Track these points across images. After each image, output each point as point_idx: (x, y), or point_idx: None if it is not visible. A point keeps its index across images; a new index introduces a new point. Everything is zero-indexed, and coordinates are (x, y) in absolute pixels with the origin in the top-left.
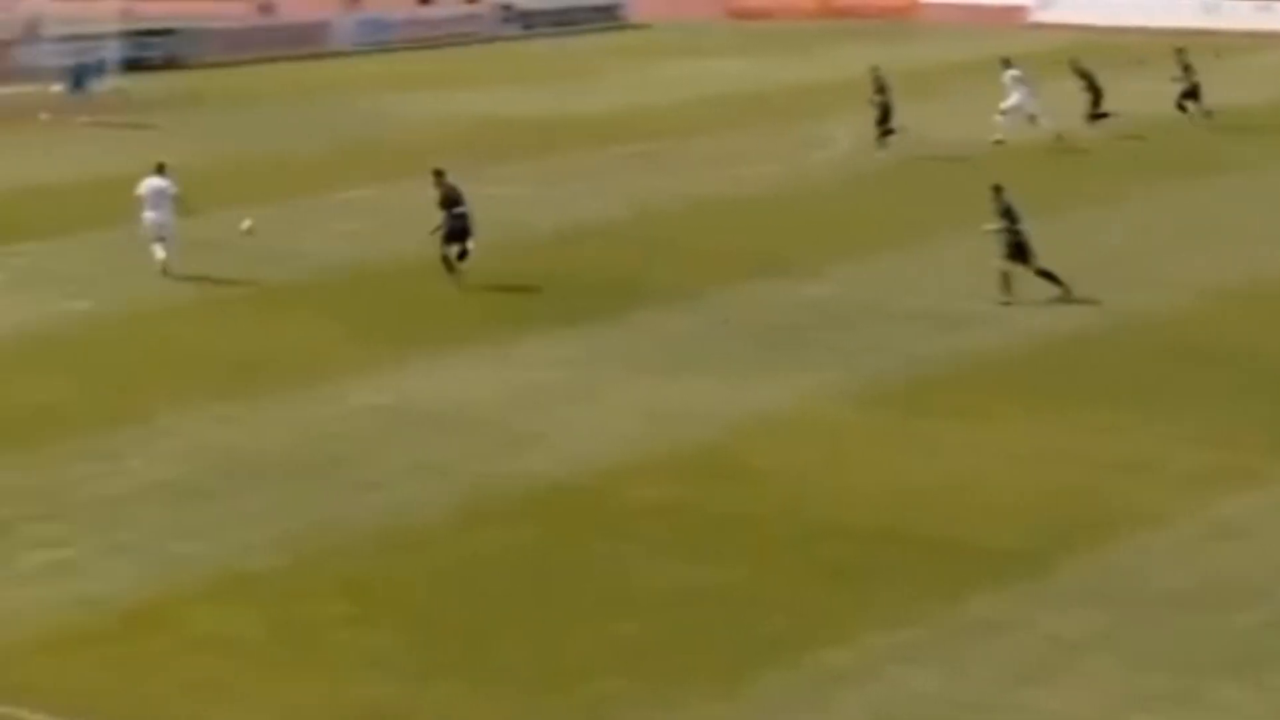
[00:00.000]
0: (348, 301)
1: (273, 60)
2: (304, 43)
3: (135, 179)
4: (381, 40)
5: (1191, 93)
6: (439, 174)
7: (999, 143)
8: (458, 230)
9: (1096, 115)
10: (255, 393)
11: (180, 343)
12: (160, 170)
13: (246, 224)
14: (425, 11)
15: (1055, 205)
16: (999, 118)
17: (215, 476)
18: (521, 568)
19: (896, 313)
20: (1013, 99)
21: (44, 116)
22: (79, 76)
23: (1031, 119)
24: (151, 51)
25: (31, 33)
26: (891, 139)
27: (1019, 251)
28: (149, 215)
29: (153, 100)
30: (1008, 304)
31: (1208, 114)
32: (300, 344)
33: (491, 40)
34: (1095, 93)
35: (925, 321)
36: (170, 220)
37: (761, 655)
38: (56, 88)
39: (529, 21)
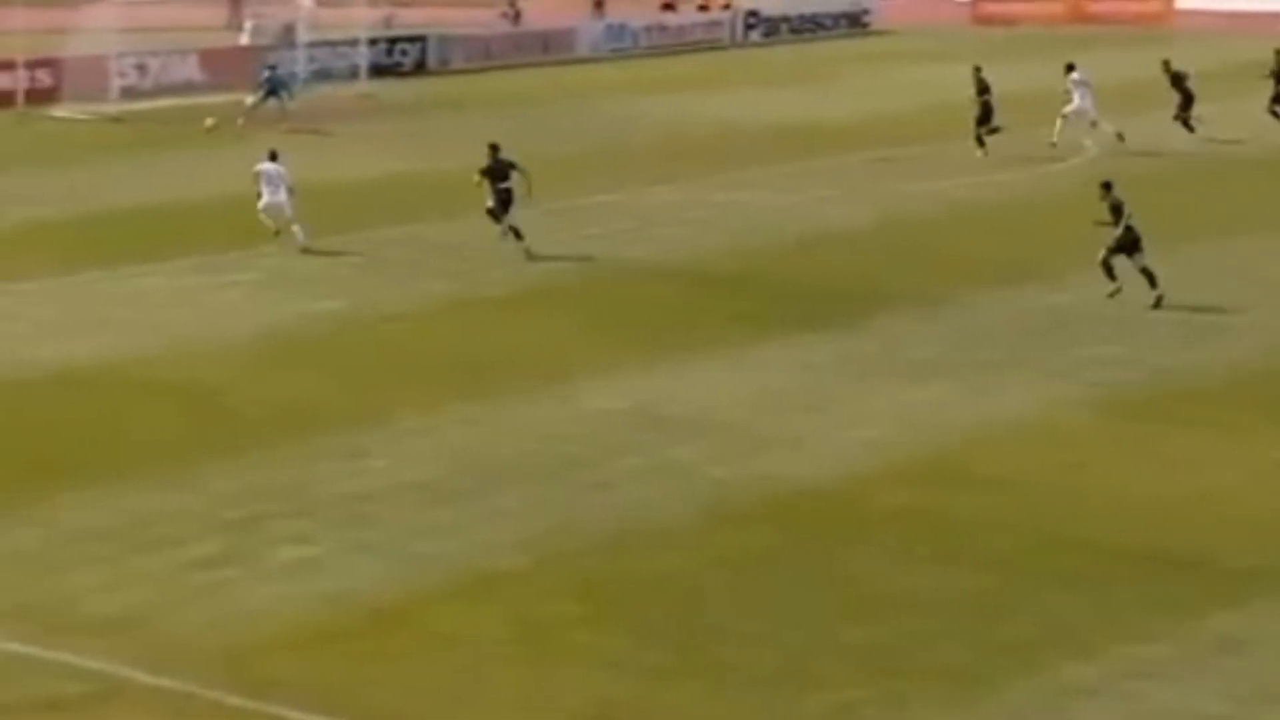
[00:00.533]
0: (591, 304)
1: (519, 66)
2: (550, 49)
3: (384, 182)
4: (626, 46)
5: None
6: (493, 148)
7: (1053, 145)
8: (502, 202)
9: (1182, 119)
10: (498, 394)
11: (426, 343)
12: (273, 157)
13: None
14: (669, 18)
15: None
16: (1060, 121)
17: (458, 477)
18: (760, 571)
19: (1141, 321)
20: (1075, 103)
21: (241, 121)
22: (273, 87)
23: (1093, 124)
24: (402, 58)
25: (287, 39)
26: (989, 140)
27: (1129, 245)
28: (266, 198)
29: (402, 106)
30: (1117, 292)
31: None
32: (544, 346)
33: (734, 46)
34: (1185, 96)
35: (1170, 330)
36: (285, 200)
37: (1001, 665)
38: (250, 99)
39: (772, 27)
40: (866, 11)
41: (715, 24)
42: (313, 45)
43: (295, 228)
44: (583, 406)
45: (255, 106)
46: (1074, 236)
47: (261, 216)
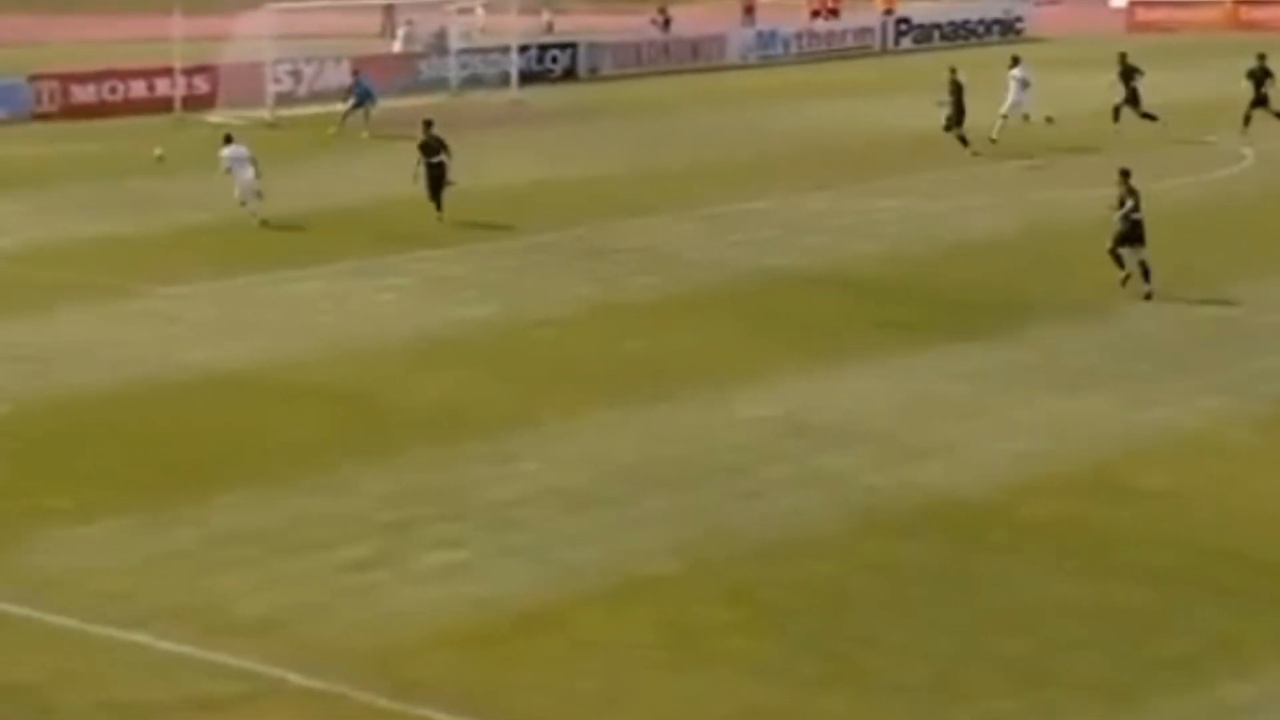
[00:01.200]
0: (739, 311)
1: (669, 73)
2: (700, 56)
3: (534, 187)
4: (776, 53)
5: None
6: (427, 124)
7: (993, 142)
8: (435, 179)
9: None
10: (647, 399)
11: (575, 348)
12: (228, 140)
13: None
14: (819, 24)
15: None
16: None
17: (607, 482)
18: (910, 580)
19: None
20: (1010, 99)
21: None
22: (361, 96)
23: (1025, 118)
24: (552, 65)
25: (439, 46)
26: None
27: (1133, 235)
28: (241, 178)
29: (552, 112)
30: (1126, 280)
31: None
32: (693, 352)
33: (885, 53)
34: (1132, 91)
35: None
36: (253, 178)
37: (1155, 680)
38: (340, 106)
39: (924, 34)
40: (1020, 19)
41: (866, 30)
42: (464, 52)
43: (257, 202)
44: (734, 413)
45: (346, 116)
46: (1240, 246)
47: (241, 204)
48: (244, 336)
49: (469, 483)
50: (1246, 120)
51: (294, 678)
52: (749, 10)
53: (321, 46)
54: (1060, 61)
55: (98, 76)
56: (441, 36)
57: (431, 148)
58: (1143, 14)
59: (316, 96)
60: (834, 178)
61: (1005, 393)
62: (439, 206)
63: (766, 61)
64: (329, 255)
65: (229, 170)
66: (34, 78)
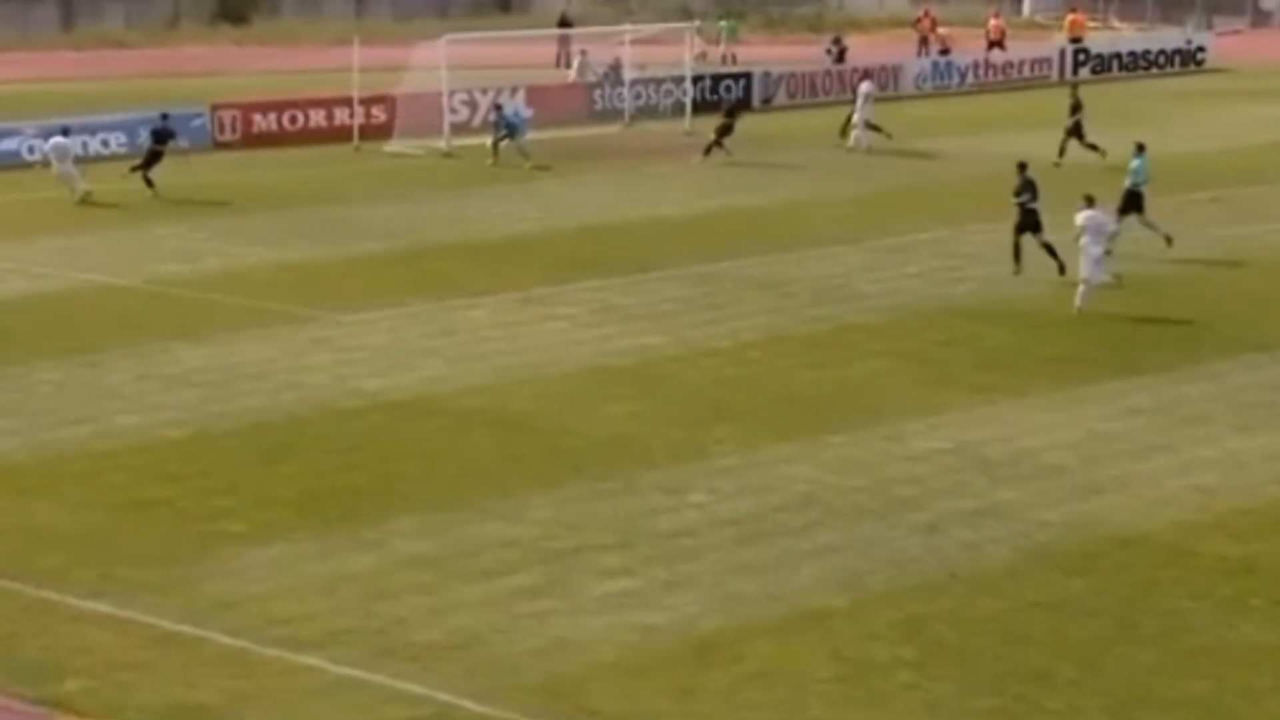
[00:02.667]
0: (912, 343)
1: (843, 103)
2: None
3: (705, 217)
4: (952, 83)
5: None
6: (163, 116)
7: (847, 150)
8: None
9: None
10: (817, 431)
11: (746, 379)
12: (65, 132)
13: (82, 187)
14: (995, 54)
15: None
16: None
17: (777, 514)
18: (1085, 618)
19: None
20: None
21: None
22: (511, 129)
23: (870, 126)
24: (725, 94)
25: (613, 76)
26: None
27: (1030, 224)
28: (56, 167)
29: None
30: (1018, 273)
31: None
32: (863, 384)
33: (1063, 84)
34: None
35: None
36: (73, 168)
37: None
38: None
39: (1103, 64)
40: (1201, 49)
41: (1044, 61)
42: (638, 82)
43: (79, 186)
44: (905, 446)
45: (496, 146)
46: None
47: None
48: (418, 364)
49: (639, 512)
50: None
51: (467, 704)
52: (924, 41)
53: (497, 77)
54: (1239, 93)
55: (277, 106)
56: (616, 67)
57: (160, 137)
58: None
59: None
60: (1007, 210)
61: (1182, 428)
62: (149, 182)
63: (942, 91)
64: (500, 284)
65: (49, 160)
66: (215, 107)
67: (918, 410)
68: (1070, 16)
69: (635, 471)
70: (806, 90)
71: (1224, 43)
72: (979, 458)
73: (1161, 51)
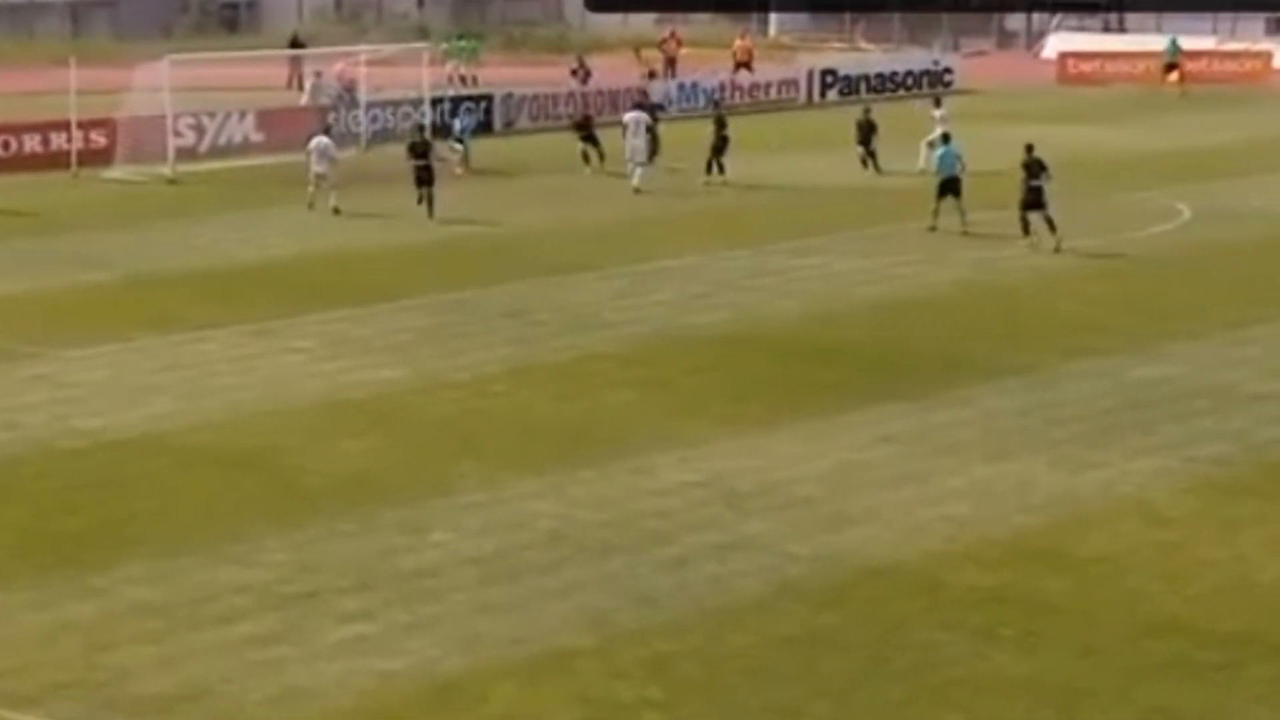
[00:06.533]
0: (661, 372)
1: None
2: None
3: (438, 247)
4: (698, 106)
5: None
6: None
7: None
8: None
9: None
10: (564, 465)
11: (490, 413)
12: None
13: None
14: (742, 76)
15: None
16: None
17: (522, 551)
18: (835, 652)
19: (1242, 396)
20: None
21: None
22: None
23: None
24: (464, 117)
25: (348, 99)
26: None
27: (1035, 201)
28: None
29: (477, 167)
30: (1032, 246)
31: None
32: (612, 416)
33: (810, 106)
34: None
35: (1274, 406)
36: None
37: None
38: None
39: (849, 86)
40: (949, 70)
41: (791, 83)
42: (374, 105)
43: None
44: (654, 480)
45: (465, 156)
46: (1174, 305)
47: None
48: (143, 400)
49: (379, 552)
50: None
51: None
52: (671, 63)
53: (225, 99)
54: (986, 114)
55: None
56: (351, 89)
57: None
58: (1074, 66)
59: (220, 151)
60: (756, 235)
61: (934, 457)
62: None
63: (686, 114)
64: (231, 316)
65: None
66: None
67: (667, 442)
68: (738, 42)
69: (375, 510)
70: (550, 113)
71: (970, 64)
72: (728, 490)
73: (909, 73)
